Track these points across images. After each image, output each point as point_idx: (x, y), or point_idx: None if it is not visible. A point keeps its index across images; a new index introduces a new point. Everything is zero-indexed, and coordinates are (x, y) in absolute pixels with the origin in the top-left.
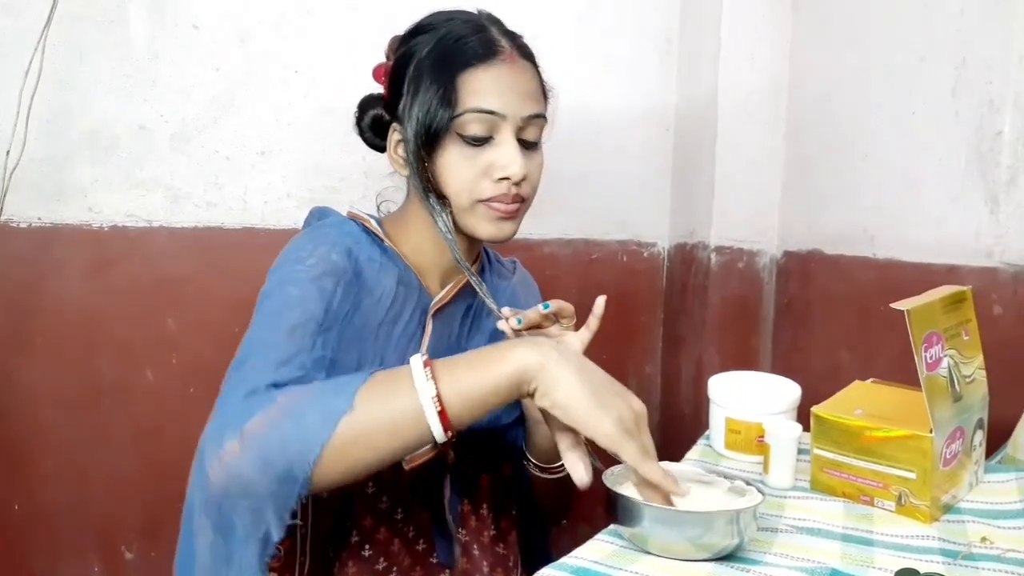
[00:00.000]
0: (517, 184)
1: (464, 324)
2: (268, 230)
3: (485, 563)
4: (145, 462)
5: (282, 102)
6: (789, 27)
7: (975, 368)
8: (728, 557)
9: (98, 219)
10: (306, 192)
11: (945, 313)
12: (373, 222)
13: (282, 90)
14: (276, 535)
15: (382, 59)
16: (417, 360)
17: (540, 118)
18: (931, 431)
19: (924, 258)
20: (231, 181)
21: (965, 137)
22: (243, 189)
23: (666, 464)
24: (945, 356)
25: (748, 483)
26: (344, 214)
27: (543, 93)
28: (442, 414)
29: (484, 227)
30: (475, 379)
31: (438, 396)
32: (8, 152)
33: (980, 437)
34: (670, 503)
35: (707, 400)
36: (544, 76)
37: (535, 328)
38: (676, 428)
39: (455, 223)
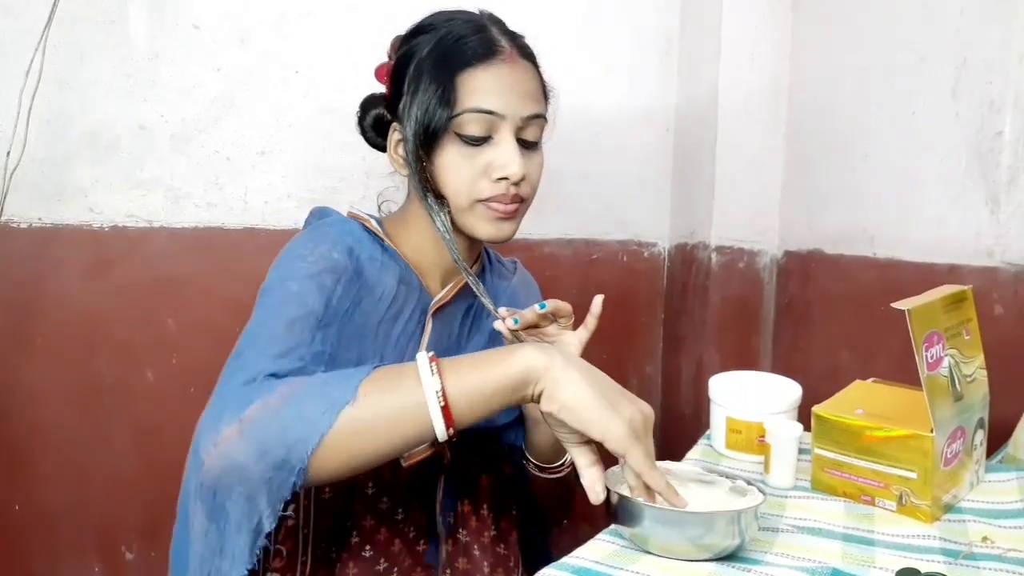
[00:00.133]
0: (516, 184)
1: (464, 324)
2: (268, 230)
3: (486, 563)
4: (145, 462)
5: (282, 102)
6: (789, 27)
7: (976, 368)
8: (729, 557)
9: (98, 219)
10: (306, 192)
11: (946, 313)
12: (373, 222)
13: (282, 90)
14: (268, 525)
15: (382, 59)
16: (423, 356)
17: (540, 118)
18: (932, 431)
19: (925, 258)
20: (231, 181)
21: (965, 137)
22: (243, 189)
23: (668, 464)
24: (946, 356)
25: (749, 483)
26: (344, 214)
27: (543, 93)
28: (445, 411)
29: (483, 227)
30: (480, 377)
31: (443, 392)
32: (9, 152)
33: (981, 437)
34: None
35: (708, 400)
36: (545, 76)
37: (532, 328)
38: (677, 428)
39: (454, 223)
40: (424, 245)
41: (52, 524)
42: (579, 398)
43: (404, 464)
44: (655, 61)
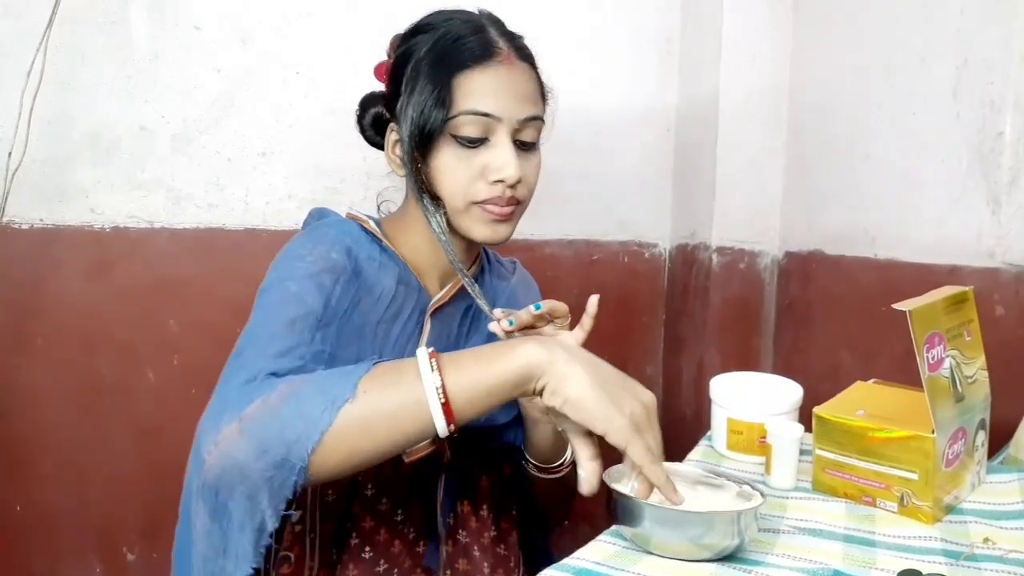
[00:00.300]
0: (512, 187)
1: (463, 325)
2: (269, 231)
3: (486, 564)
4: (147, 463)
5: (283, 103)
6: (790, 28)
7: (977, 369)
8: (730, 558)
9: (100, 220)
10: (307, 193)
11: (947, 314)
12: (372, 223)
13: (283, 91)
14: (271, 524)
15: (383, 59)
16: (423, 352)
17: (537, 120)
18: (933, 432)
19: (925, 259)
20: (232, 182)
21: (966, 138)
22: (244, 190)
23: (676, 465)
24: (947, 357)
25: (754, 487)
26: (343, 215)
27: (541, 95)
28: (446, 407)
29: (479, 229)
30: (480, 373)
31: (443, 387)
32: (10, 153)
33: (982, 438)
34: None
35: (708, 401)
36: (543, 77)
37: (528, 329)
38: (678, 429)
39: (450, 224)
40: (422, 246)
41: (53, 525)
42: (581, 393)
43: (406, 460)
44: (655, 61)
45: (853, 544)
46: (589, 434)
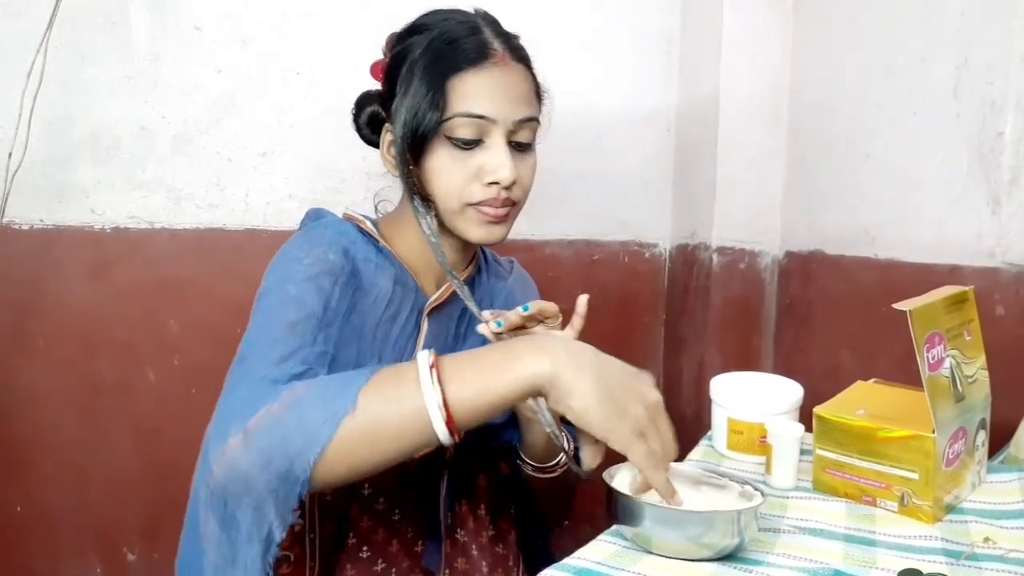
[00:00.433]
0: (507, 188)
1: (461, 324)
2: (270, 231)
3: (484, 563)
4: (147, 463)
5: (283, 103)
6: (790, 28)
7: (977, 368)
8: (731, 557)
9: (100, 221)
10: (308, 193)
11: (947, 313)
12: (368, 223)
13: (283, 91)
14: (279, 535)
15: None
16: (424, 361)
17: (532, 121)
18: (933, 431)
19: (926, 258)
20: (233, 182)
21: (967, 138)
22: (245, 190)
23: (677, 465)
24: (947, 356)
25: (756, 488)
26: (340, 215)
27: (536, 95)
28: (449, 421)
29: (474, 230)
30: (483, 386)
31: (444, 403)
32: (10, 154)
33: (983, 437)
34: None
35: (709, 401)
36: (539, 77)
37: (518, 330)
38: (678, 429)
39: (445, 225)
40: (419, 246)
41: (53, 525)
42: (584, 405)
43: (415, 456)
44: (656, 62)
45: (853, 544)
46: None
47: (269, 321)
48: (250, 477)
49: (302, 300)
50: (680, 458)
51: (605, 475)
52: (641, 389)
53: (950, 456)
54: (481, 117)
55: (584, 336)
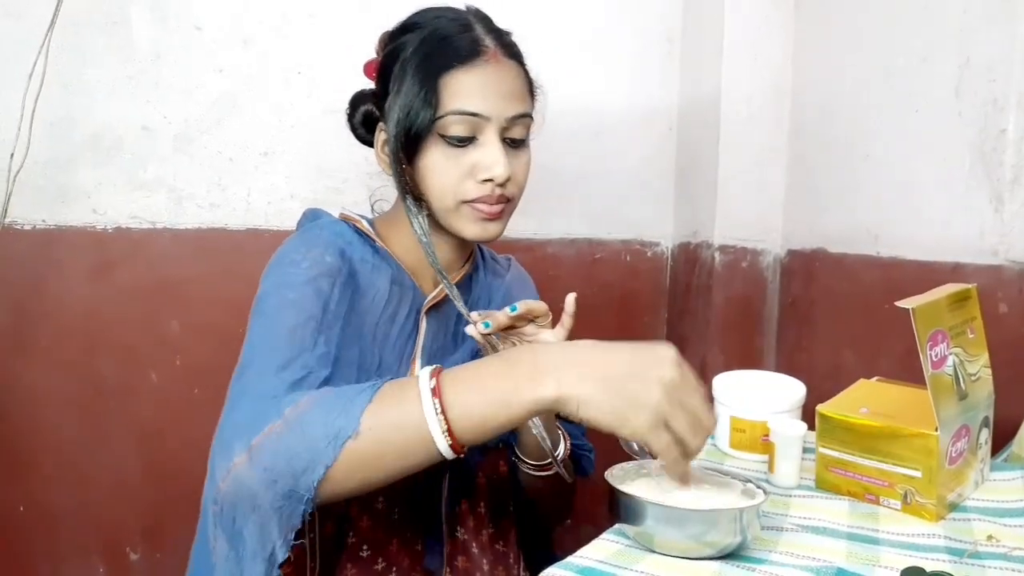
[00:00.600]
0: (501, 185)
1: (460, 322)
2: (272, 231)
3: (485, 561)
4: (149, 464)
5: (284, 103)
6: (792, 27)
7: (980, 366)
8: (734, 556)
9: (102, 221)
10: (309, 193)
11: (950, 311)
12: (365, 223)
13: (284, 91)
14: (281, 555)
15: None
16: (426, 386)
17: (526, 117)
18: (937, 429)
19: (928, 257)
20: (234, 182)
21: (969, 136)
22: (246, 190)
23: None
24: (950, 354)
25: (758, 486)
26: (336, 215)
27: (529, 91)
28: (453, 447)
29: (469, 228)
30: (489, 412)
31: (449, 431)
32: (12, 155)
33: (986, 435)
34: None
35: (712, 399)
36: (531, 73)
37: (507, 330)
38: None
39: (440, 223)
40: (415, 245)
41: (56, 525)
42: (593, 411)
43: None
44: (657, 61)
45: (856, 542)
46: None
47: (269, 327)
48: (256, 495)
49: (301, 304)
50: None
51: (607, 475)
52: (653, 371)
53: (953, 454)
54: (474, 115)
55: (585, 336)
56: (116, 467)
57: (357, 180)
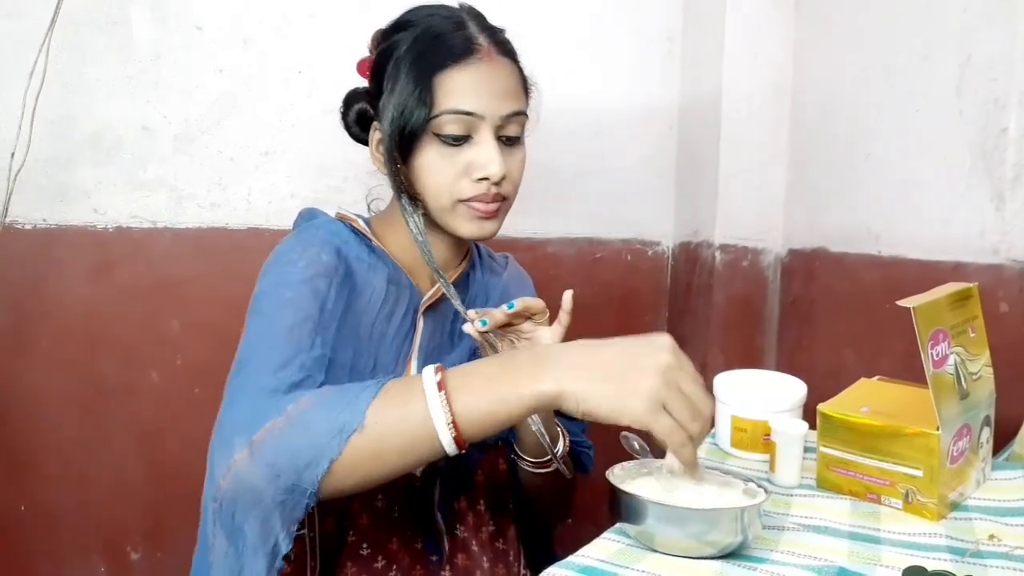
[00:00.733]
0: (497, 184)
1: (457, 320)
2: (272, 231)
3: (485, 559)
4: (150, 463)
5: (285, 103)
6: (792, 26)
7: (982, 365)
8: (735, 555)
9: (102, 220)
10: (310, 192)
11: (951, 310)
12: (361, 222)
13: (285, 90)
14: (284, 547)
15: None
16: (431, 382)
17: (520, 115)
18: (938, 428)
19: (929, 256)
20: (235, 182)
21: (970, 135)
22: (247, 190)
23: None
24: (951, 353)
25: (759, 485)
26: (333, 214)
27: (524, 89)
28: (457, 441)
29: (465, 226)
30: (492, 407)
31: (454, 424)
32: (13, 154)
33: (987, 434)
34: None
35: (712, 399)
36: (526, 71)
37: (505, 327)
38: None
39: (436, 222)
40: (411, 244)
41: (57, 525)
42: (592, 404)
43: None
44: (658, 60)
45: (858, 541)
46: None
47: (266, 327)
48: (258, 490)
49: (298, 304)
50: None
51: (608, 474)
52: (647, 360)
53: (954, 453)
54: (469, 114)
55: (586, 335)
56: (117, 466)
57: (357, 179)
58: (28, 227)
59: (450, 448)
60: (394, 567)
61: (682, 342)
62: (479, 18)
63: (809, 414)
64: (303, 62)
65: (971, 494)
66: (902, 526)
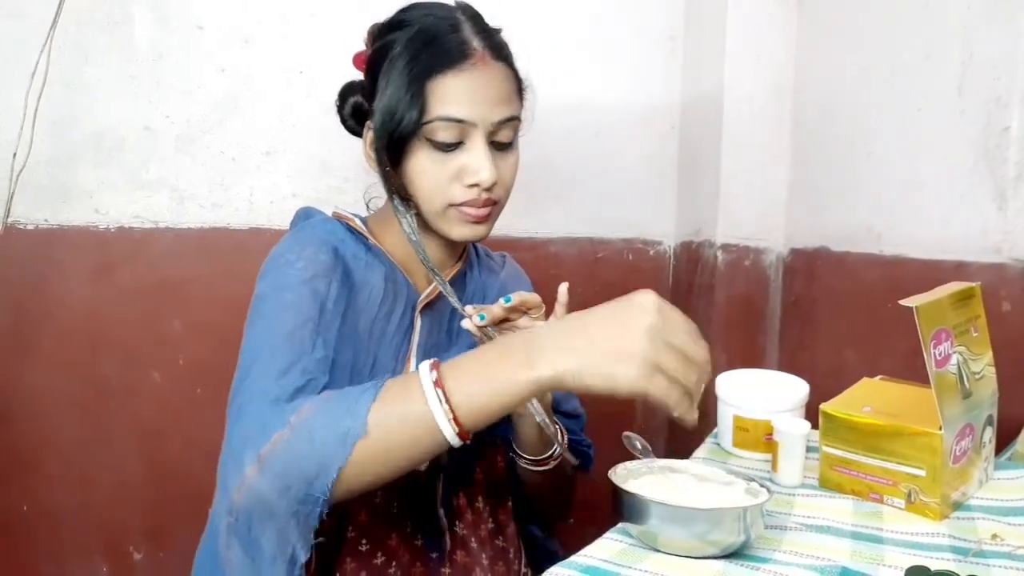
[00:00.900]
0: (488, 189)
1: (455, 318)
2: (274, 230)
3: (484, 556)
4: (152, 463)
5: (286, 102)
6: (794, 25)
7: (984, 365)
8: (738, 555)
9: (104, 220)
10: (311, 192)
11: (954, 309)
12: (357, 221)
13: (286, 90)
14: (302, 556)
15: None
16: (427, 378)
17: (514, 120)
18: (940, 428)
19: (931, 255)
20: (236, 182)
21: (972, 134)
22: (249, 190)
23: (683, 463)
24: (954, 353)
25: (761, 484)
26: (329, 214)
27: (518, 92)
28: (460, 434)
29: (456, 230)
30: (490, 398)
31: (454, 418)
32: (15, 154)
33: (990, 434)
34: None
35: (715, 398)
36: (521, 73)
37: (502, 322)
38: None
39: (428, 224)
40: (406, 242)
41: (59, 525)
42: (592, 379)
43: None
44: (659, 60)
45: (861, 541)
46: None
47: (267, 330)
48: (271, 503)
49: (298, 306)
50: (686, 456)
51: (610, 474)
52: (633, 321)
53: (957, 453)
54: (461, 121)
55: None
56: (119, 467)
57: (359, 179)
58: (30, 227)
59: (454, 440)
60: (393, 563)
61: None
62: (475, 19)
63: (811, 414)
64: (304, 62)
65: (974, 494)
66: (905, 526)
